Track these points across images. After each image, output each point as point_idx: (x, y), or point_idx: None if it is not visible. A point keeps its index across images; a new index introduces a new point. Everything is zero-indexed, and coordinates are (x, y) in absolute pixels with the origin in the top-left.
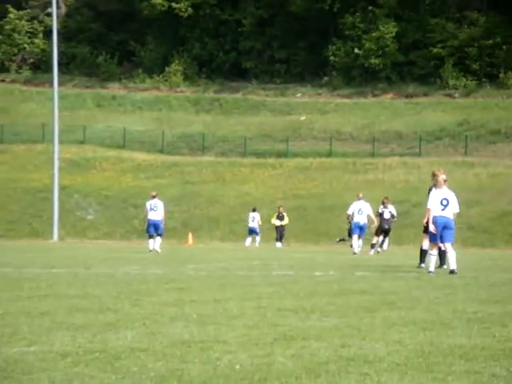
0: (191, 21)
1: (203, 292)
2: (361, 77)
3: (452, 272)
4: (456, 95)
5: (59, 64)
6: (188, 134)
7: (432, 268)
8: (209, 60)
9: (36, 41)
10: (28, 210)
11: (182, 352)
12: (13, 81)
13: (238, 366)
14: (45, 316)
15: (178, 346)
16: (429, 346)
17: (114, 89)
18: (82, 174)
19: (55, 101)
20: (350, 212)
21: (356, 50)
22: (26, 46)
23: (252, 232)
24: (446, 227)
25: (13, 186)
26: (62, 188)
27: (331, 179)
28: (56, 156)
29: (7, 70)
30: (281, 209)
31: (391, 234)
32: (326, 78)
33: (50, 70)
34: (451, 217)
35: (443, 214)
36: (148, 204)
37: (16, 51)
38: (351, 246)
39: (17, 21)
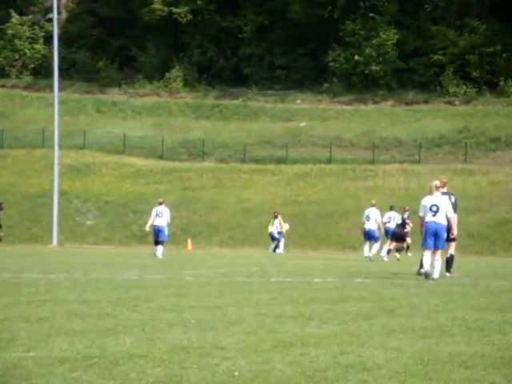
0: (191, 27)
1: (202, 298)
2: (361, 83)
3: (428, 277)
4: (456, 103)
5: (59, 69)
6: (188, 139)
7: (424, 269)
8: (209, 66)
9: (37, 46)
10: (27, 214)
11: (181, 358)
12: (13, 86)
13: (236, 373)
14: (43, 321)
15: (176, 352)
16: (428, 354)
17: (114, 94)
18: (82, 180)
19: (55, 106)
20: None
21: (356, 57)
22: (26, 51)
23: (274, 239)
24: (437, 233)
25: (12, 190)
26: (62, 193)
27: (331, 186)
28: (56, 161)
29: (8, 76)
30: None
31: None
32: (326, 85)
33: (50, 75)
34: (443, 222)
35: (434, 219)
36: (154, 210)
37: (17, 57)
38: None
39: (18, 26)
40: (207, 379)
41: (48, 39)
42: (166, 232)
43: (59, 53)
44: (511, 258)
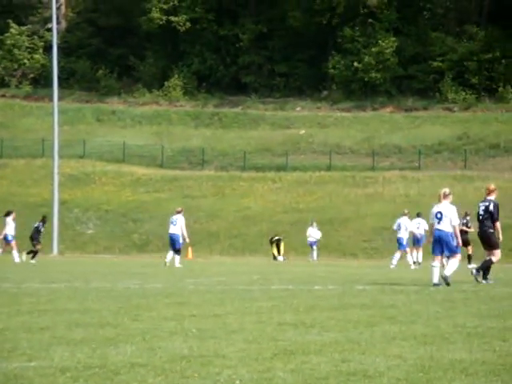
0: (190, 35)
1: (203, 306)
2: (360, 90)
3: (446, 280)
4: (455, 109)
5: (59, 79)
6: (188, 148)
7: (436, 280)
8: (208, 74)
9: (36, 56)
10: (27, 224)
11: (182, 367)
12: (13, 96)
13: (237, 381)
14: (44, 331)
15: (177, 361)
16: (429, 361)
17: (114, 103)
18: (82, 189)
19: (55, 115)
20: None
21: (355, 64)
22: (26, 61)
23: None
24: (440, 240)
25: (12, 200)
26: (62, 202)
27: (331, 193)
28: (56, 170)
29: (7, 85)
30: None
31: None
32: (325, 92)
33: (49, 84)
34: (446, 229)
35: (438, 227)
36: (170, 219)
37: (16, 66)
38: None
39: (17, 36)
40: None
41: (47, 49)
42: (181, 240)
43: (59, 62)
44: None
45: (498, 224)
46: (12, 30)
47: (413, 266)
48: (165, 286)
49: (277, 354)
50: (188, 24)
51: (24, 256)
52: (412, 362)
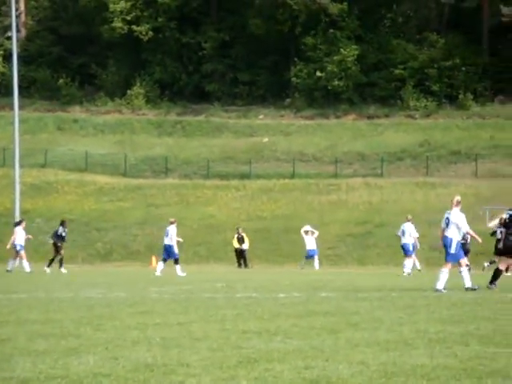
0: (152, 44)
1: (167, 315)
2: (323, 98)
3: (467, 289)
4: (417, 116)
5: (19, 88)
6: (151, 156)
7: (439, 286)
8: (171, 83)
9: None
10: None
11: (145, 376)
12: None
13: None
14: (5, 342)
15: (140, 370)
16: (392, 367)
17: (76, 112)
18: (44, 198)
19: (16, 124)
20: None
21: (318, 73)
22: None
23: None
24: (445, 246)
25: None
26: (24, 212)
27: (294, 200)
28: (17, 180)
29: None
30: (240, 230)
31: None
32: (288, 100)
33: (10, 93)
34: (450, 236)
35: (445, 233)
36: (165, 230)
37: None
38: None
39: None
40: None
41: (7, 57)
42: (176, 250)
43: (19, 71)
44: (475, 270)
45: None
46: None
47: (406, 273)
48: (128, 294)
49: (241, 361)
50: (151, 33)
51: (48, 269)
52: (375, 368)
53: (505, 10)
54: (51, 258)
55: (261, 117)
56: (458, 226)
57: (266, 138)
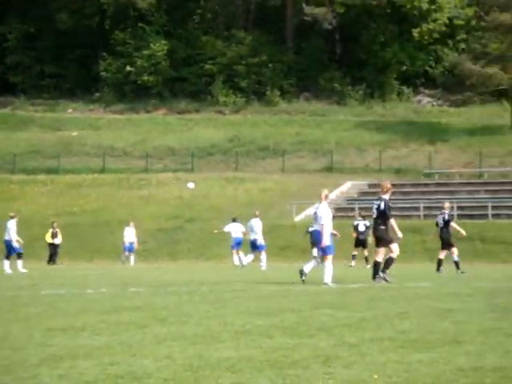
0: None
1: None
2: (133, 93)
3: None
4: (226, 112)
5: None
6: None
7: (327, 280)
8: None
9: None
10: None
11: None
12: None
13: None
14: None
15: None
16: (198, 360)
17: None
18: None
19: None
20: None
21: (128, 68)
22: None
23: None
24: (316, 240)
25: None
26: None
27: (105, 195)
28: None
29: None
30: (55, 225)
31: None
32: (97, 94)
33: None
34: (319, 229)
35: (314, 227)
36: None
37: None
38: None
39: None
40: None
41: None
42: (16, 245)
43: None
44: (281, 263)
45: (392, 221)
46: None
47: (237, 264)
48: None
49: (44, 359)
50: None
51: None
52: (181, 361)
53: (307, 9)
54: None
55: (69, 111)
56: (322, 219)
57: (75, 132)
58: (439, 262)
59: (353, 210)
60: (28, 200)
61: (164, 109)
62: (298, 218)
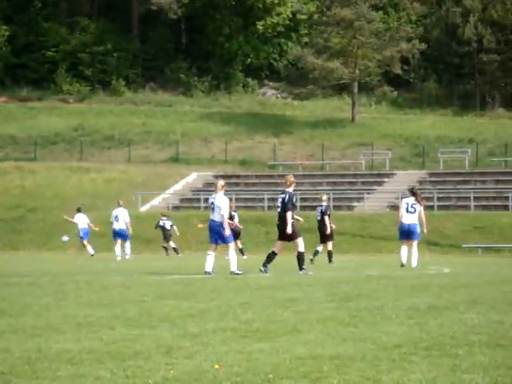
0: None
1: None
2: None
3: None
4: (70, 100)
5: None
6: None
7: (208, 268)
8: None
9: None
10: None
11: None
12: None
13: None
14: None
15: None
16: (36, 353)
17: None
18: None
19: None
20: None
21: None
22: None
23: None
24: (211, 229)
25: None
26: None
27: None
28: None
29: None
30: None
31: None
32: None
33: None
34: (217, 219)
35: (211, 217)
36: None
37: None
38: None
39: None
40: None
41: None
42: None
43: None
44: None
45: (288, 214)
46: None
47: (119, 258)
48: None
49: None
50: None
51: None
52: (19, 354)
53: None
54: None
55: None
56: (222, 209)
57: None
58: (329, 254)
59: (198, 200)
60: None
61: (5, 96)
62: (143, 209)
